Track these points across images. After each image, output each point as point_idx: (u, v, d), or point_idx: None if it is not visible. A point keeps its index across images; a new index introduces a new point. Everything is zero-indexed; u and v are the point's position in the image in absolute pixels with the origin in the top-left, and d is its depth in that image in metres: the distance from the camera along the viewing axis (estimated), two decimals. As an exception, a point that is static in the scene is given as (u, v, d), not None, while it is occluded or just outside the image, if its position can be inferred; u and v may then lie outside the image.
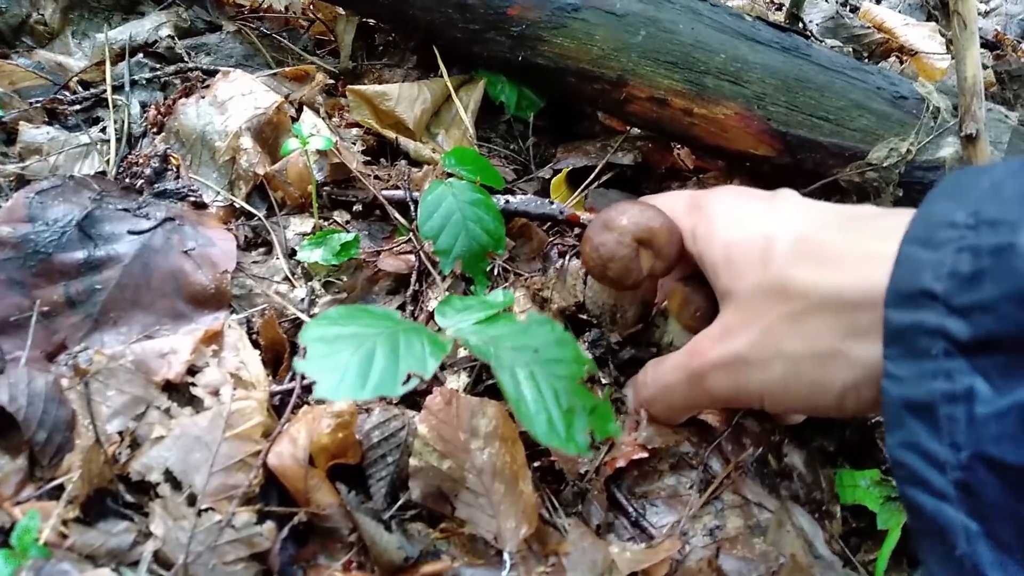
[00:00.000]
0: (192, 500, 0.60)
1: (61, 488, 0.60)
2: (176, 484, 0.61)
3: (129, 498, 0.61)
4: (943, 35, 1.54)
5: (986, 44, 1.86)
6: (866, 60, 1.46)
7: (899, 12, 1.65)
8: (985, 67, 1.55)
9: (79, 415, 0.63)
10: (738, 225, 0.62)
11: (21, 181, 0.82)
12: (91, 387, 0.62)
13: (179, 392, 0.66)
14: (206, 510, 0.60)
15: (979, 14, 2.01)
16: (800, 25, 1.28)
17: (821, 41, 1.38)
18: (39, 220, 0.73)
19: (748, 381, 0.58)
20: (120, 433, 0.63)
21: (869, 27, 1.49)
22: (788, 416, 0.72)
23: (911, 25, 1.51)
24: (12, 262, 0.70)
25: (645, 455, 0.69)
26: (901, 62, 1.43)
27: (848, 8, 1.58)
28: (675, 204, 0.70)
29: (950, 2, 0.84)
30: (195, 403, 0.66)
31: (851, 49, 1.46)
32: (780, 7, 1.51)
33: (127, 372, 0.65)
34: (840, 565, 0.68)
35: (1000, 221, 0.40)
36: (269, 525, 0.61)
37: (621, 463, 0.69)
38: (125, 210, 0.77)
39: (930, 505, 0.40)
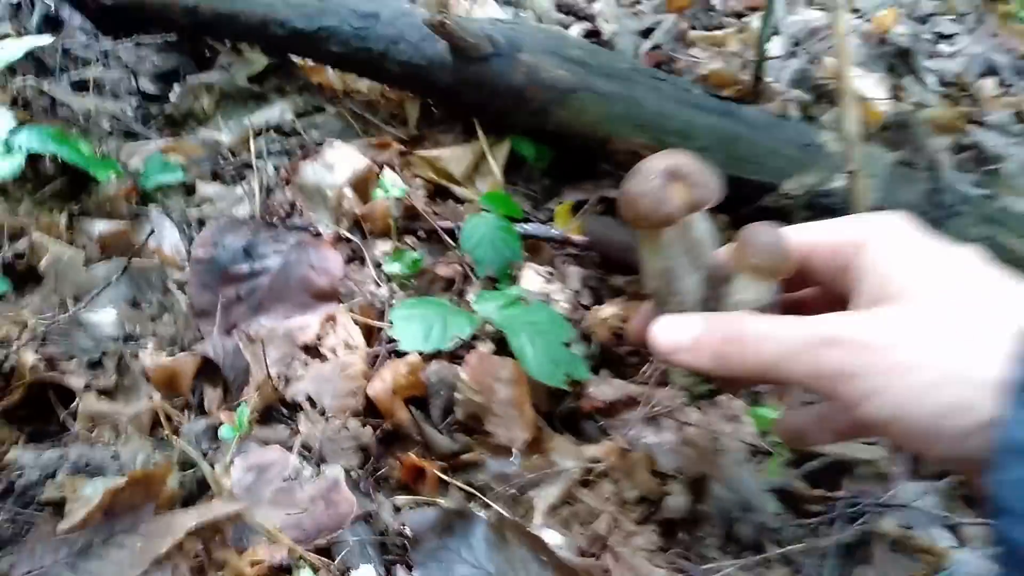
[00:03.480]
0: (323, 413, 0.94)
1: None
2: (313, 404, 0.95)
3: (285, 411, 0.96)
4: (892, 84, 1.82)
5: (948, 84, 2.11)
6: (825, 104, 1.74)
7: (861, 63, 1.92)
8: (922, 105, 1.82)
9: (252, 364, 0.99)
10: (929, 240, 0.55)
11: (200, 221, 1.19)
12: (264, 347, 0.98)
13: (312, 351, 1.01)
14: (331, 418, 0.94)
15: (946, 56, 2.26)
16: (761, 84, 1.58)
17: (785, 92, 1.68)
18: (220, 245, 1.09)
19: (872, 375, 0.48)
20: (278, 374, 0.98)
21: (829, 78, 1.77)
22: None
23: (863, 76, 1.79)
24: (206, 272, 1.07)
25: (602, 405, 1.01)
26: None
27: (815, 63, 1.86)
28: (848, 218, 0.62)
29: (836, 79, 1.14)
30: (322, 357, 1.01)
31: (812, 96, 1.74)
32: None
33: (280, 339, 1.01)
34: (746, 454, 0.97)
35: None
36: (368, 429, 0.94)
37: (586, 408, 1.01)
38: (272, 238, 1.13)
39: None
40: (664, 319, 0.61)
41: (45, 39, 1.08)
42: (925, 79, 2.03)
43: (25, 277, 0.98)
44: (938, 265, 0.52)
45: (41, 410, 0.86)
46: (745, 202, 1.22)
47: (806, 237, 0.61)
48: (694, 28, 1.97)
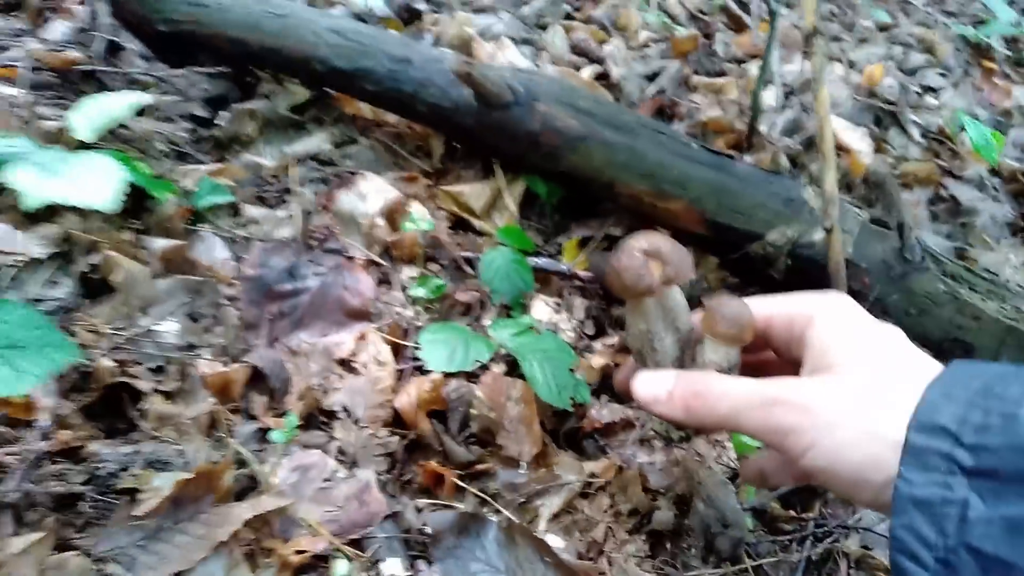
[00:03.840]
0: (356, 422, 1.06)
1: (285, 412, 1.07)
2: (348, 413, 1.07)
3: (323, 419, 1.07)
4: (874, 138, 1.95)
5: (931, 137, 2.24)
6: (814, 154, 1.87)
7: (848, 115, 2.06)
8: (904, 159, 1.95)
9: (293, 374, 1.11)
10: (863, 320, 0.64)
11: (247, 240, 1.30)
12: (305, 360, 1.10)
13: (346, 365, 1.13)
14: (363, 427, 1.06)
15: (931, 109, 2.39)
16: (755, 135, 1.71)
17: (777, 141, 1.81)
18: (266, 266, 1.21)
19: (808, 432, 0.57)
20: (317, 385, 1.10)
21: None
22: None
23: (849, 128, 1.92)
24: (253, 290, 1.18)
25: (601, 425, 1.14)
26: (839, 156, 1.83)
27: (807, 111, 1.99)
28: (801, 295, 0.70)
29: (816, 142, 1.26)
30: (355, 371, 1.12)
31: (803, 146, 1.87)
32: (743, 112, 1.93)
33: (319, 353, 1.13)
34: (727, 476, 1.10)
35: (1005, 397, 0.50)
36: (395, 438, 1.06)
37: (587, 428, 1.14)
38: (311, 261, 1.25)
39: (914, 572, 0.48)
40: (643, 374, 0.69)
41: (146, 97, 1.19)
42: (910, 132, 2.16)
43: (96, 289, 1.09)
44: (867, 342, 0.60)
45: (114, 409, 0.97)
46: (733, 248, 1.35)
47: (766, 309, 0.70)
48: (697, 73, 2.10)
